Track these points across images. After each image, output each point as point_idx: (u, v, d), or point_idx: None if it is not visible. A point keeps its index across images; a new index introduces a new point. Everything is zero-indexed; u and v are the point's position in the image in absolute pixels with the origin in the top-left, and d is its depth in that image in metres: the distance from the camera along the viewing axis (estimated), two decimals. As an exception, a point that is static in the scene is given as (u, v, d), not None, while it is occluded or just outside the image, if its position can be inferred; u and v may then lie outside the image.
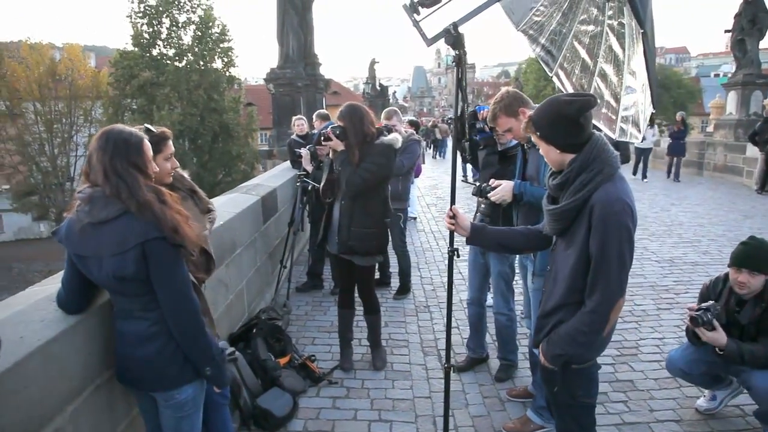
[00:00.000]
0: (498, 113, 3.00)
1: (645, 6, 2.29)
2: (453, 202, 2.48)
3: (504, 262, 3.50)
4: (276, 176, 6.42)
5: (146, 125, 2.21)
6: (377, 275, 5.52)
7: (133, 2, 25.37)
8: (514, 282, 3.65)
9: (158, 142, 2.18)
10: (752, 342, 2.84)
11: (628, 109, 2.52)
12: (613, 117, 2.48)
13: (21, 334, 1.75)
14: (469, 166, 10.47)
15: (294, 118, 6.62)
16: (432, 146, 23.88)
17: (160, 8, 25.56)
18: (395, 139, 3.55)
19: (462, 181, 3.37)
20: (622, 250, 1.85)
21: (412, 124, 8.33)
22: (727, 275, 3.02)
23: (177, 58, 26.08)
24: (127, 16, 25.34)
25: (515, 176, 3.16)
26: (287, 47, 12.54)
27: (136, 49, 25.58)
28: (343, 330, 3.92)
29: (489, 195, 3.12)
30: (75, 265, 1.86)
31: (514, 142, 3.22)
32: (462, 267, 5.52)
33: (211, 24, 26.44)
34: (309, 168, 5.11)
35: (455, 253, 2.56)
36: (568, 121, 1.88)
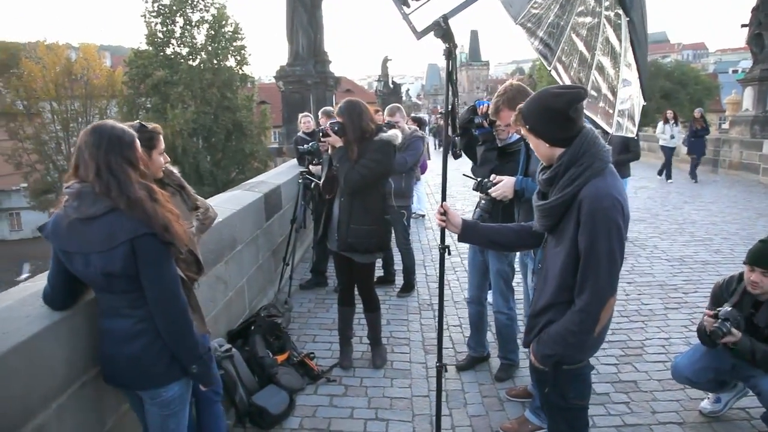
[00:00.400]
0: (501, 106, 2.92)
1: None
2: (444, 198, 2.44)
3: (503, 261, 3.43)
4: (281, 173, 6.43)
5: (139, 121, 2.23)
6: (381, 273, 5.52)
7: (147, 1, 25.61)
8: (515, 282, 3.58)
9: (152, 137, 2.21)
10: (766, 343, 2.73)
11: (624, 102, 2.46)
12: (611, 111, 2.42)
13: (5, 329, 1.76)
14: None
15: (300, 115, 6.63)
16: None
17: (174, 7, 25.73)
18: (394, 135, 3.51)
19: (463, 175, 3.31)
20: (612, 247, 1.79)
21: (415, 120, 8.29)
22: (741, 274, 2.89)
23: (190, 56, 26.25)
24: (142, 16, 25.58)
25: (517, 172, 3.09)
26: (297, 45, 12.60)
27: (150, 48, 25.77)
28: (343, 327, 3.90)
29: (490, 191, 3.06)
30: (61, 261, 1.86)
31: (516, 137, 3.16)
32: (466, 265, 5.46)
33: (224, 22, 26.55)
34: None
35: (446, 250, 2.53)
36: (558, 114, 1.83)
